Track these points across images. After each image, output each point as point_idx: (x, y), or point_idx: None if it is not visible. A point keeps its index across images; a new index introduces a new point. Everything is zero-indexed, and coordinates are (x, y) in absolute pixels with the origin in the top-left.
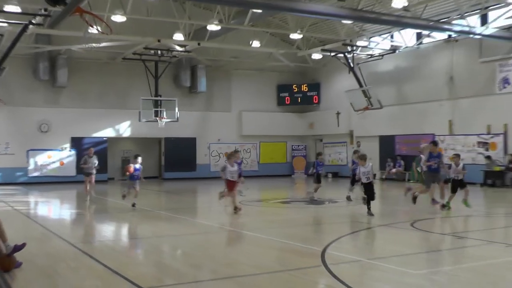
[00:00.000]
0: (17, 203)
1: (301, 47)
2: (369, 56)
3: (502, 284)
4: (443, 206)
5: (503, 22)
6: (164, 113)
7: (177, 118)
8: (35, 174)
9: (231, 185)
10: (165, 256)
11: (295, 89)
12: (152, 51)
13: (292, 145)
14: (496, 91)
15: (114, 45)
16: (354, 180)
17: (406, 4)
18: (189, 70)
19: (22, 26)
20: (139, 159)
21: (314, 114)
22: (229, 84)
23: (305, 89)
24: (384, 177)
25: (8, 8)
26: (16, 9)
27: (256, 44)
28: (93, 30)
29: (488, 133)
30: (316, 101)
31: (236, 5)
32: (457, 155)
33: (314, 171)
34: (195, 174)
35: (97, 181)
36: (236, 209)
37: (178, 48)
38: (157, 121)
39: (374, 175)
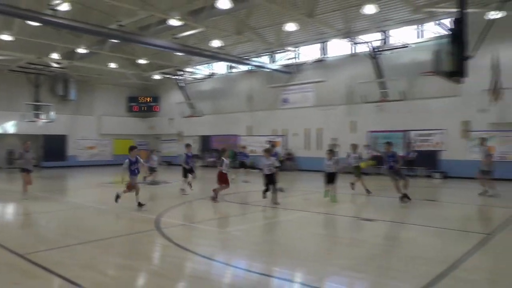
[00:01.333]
0: None
1: (146, 70)
2: (194, 79)
3: (279, 234)
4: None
5: (284, 61)
6: (43, 115)
7: (53, 119)
8: None
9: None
10: (40, 228)
11: (141, 100)
12: (34, 66)
13: (138, 142)
14: (279, 107)
15: (2, 58)
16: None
17: (220, 44)
18: (62, 82)
19: None
20: (135, 151)
21: (155, 119)
22: (93, 94)
23: (148, 100)
24: (203, 164)
25: None
26: None
27: (113, 65)
28: None
29: (274, 135)
30: (156, 110)
31: (99, 35)
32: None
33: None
34: (66, 163)
35: None
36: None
37: (54, 64)
38: (37, 121)
39: (277, 167)
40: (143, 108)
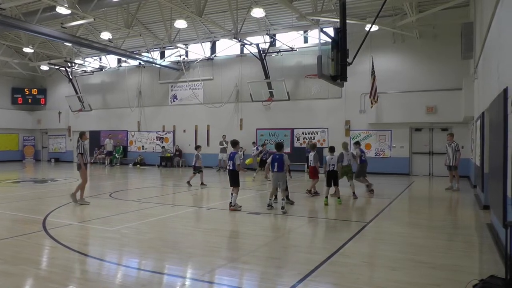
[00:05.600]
0: None
1: (32, 59)
2: (84, 72)
3: (168, 230)
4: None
5: (174, 58)
6: None
7: None
8: None
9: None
10: None
11: (26, 92)
12: None
13: (24, 136)
14: (168, 103)
15: None
16: None
17: (110, 37)
18: None
19: None
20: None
21: (41, 113)
22: None
23: (35, 92)
24: (92, 161)
25: None
26: None
27: None
28: None
29: (163, 131)
30: (43, 103)
31: None
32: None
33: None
34: None
35: None
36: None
37: None
38: None
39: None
40: (28, 100)
